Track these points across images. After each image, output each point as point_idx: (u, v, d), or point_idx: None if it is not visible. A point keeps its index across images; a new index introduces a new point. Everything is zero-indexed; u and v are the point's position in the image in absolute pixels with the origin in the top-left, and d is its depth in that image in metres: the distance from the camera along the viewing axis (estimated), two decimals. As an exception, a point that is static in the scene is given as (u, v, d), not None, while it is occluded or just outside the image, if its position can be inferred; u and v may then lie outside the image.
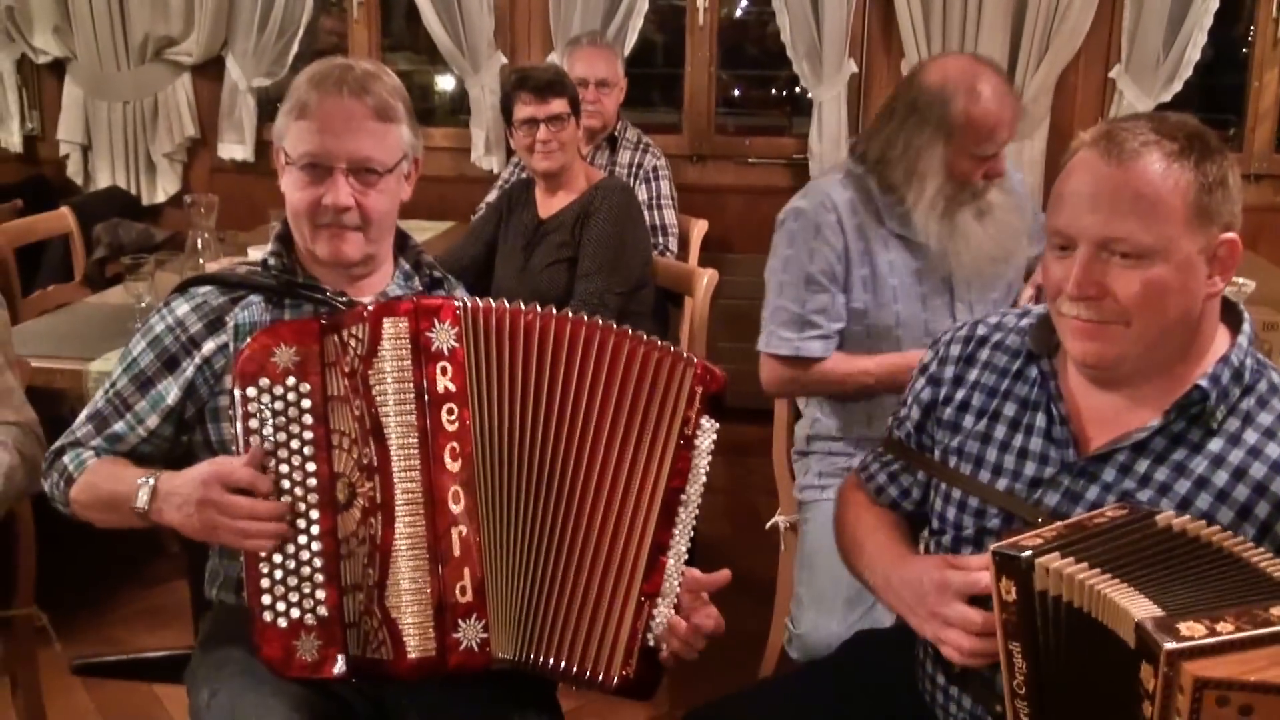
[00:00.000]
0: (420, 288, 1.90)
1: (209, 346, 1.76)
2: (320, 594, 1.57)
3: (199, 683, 1.74)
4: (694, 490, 1.65)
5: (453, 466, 1.57)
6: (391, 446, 1.56)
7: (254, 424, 1.56)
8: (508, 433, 1.61)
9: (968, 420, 1.65)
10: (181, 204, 4.88)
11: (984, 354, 1.68)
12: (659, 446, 1.64)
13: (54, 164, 5.10)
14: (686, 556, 1.66)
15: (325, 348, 1.58)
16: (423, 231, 4.21)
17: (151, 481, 1.64)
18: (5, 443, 2.00)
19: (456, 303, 1.62)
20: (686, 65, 4.71)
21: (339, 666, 1.57)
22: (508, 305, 1.63)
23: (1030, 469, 1.58)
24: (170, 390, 1.77)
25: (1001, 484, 1.60)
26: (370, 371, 1.56)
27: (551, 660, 1.63)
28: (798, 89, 4.73)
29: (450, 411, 1.58)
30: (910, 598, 1.55)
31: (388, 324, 1.57)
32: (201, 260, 2.91)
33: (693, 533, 1.67)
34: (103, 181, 4.97)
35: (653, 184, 3.82)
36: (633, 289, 3.03)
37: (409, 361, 1.57)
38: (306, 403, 1.57)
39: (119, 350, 2.65)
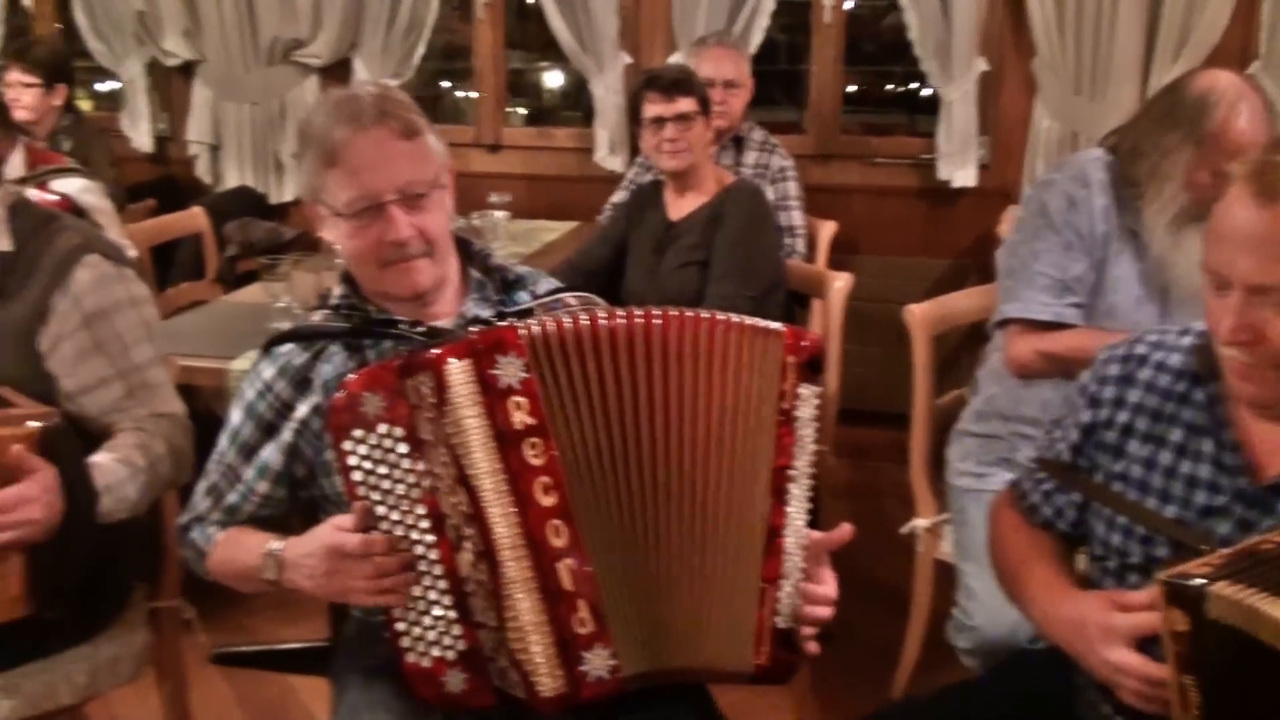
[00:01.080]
0: (495, 295, 1.85)
1: (303, 410, 1.76)
2: (456, 630, 1.56)
3: (344, 687, 1.76)
4: (803, 463, 1.61)
5: (546, 501, 1.52)
6: (482, 494, 1.52)
7: (357, 476, 1.55)
8: (596, 452, 1.56)
9: (1132, 445, 1.60)
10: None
11: (1144, 374, 1.62)
12: (756, 428, 1.59)
13: (183, 164, 5.22)
14: (807, 529, 1.62)
15: (406, 391, 1.54)
16: (547, 232, 4.23)
17: (277, 553, 1.66)
18: (155, 435, 2.03)
19: (520, 330, 1.55)
20: (812, 64, 4.66)
21: (489, 697, 1.57)
22: (572, 318, 1.57)
23: (1201, 497, 1.52)
24: (274, 456, 1.78)
25: (1169, 511, 1.54)
26: (446, 421, 1.52)
27: (683, 664, 1.60)
28: (912, 85, 4.65)
29: (534, 446, 1.52)
30: (1075, 639, 1.51)
31: (452, 370, 1.52)
32: (338, 260, 2.93)
33: (811, 503, 1.63)
34: (231, 181, 5.06)
35: (780, 185, 3.79)
36: (764, 292, 3.00)
37: (481, 404, 1.52)
38: (402, 447, 1.54)
39: (259, 349, 2.72)
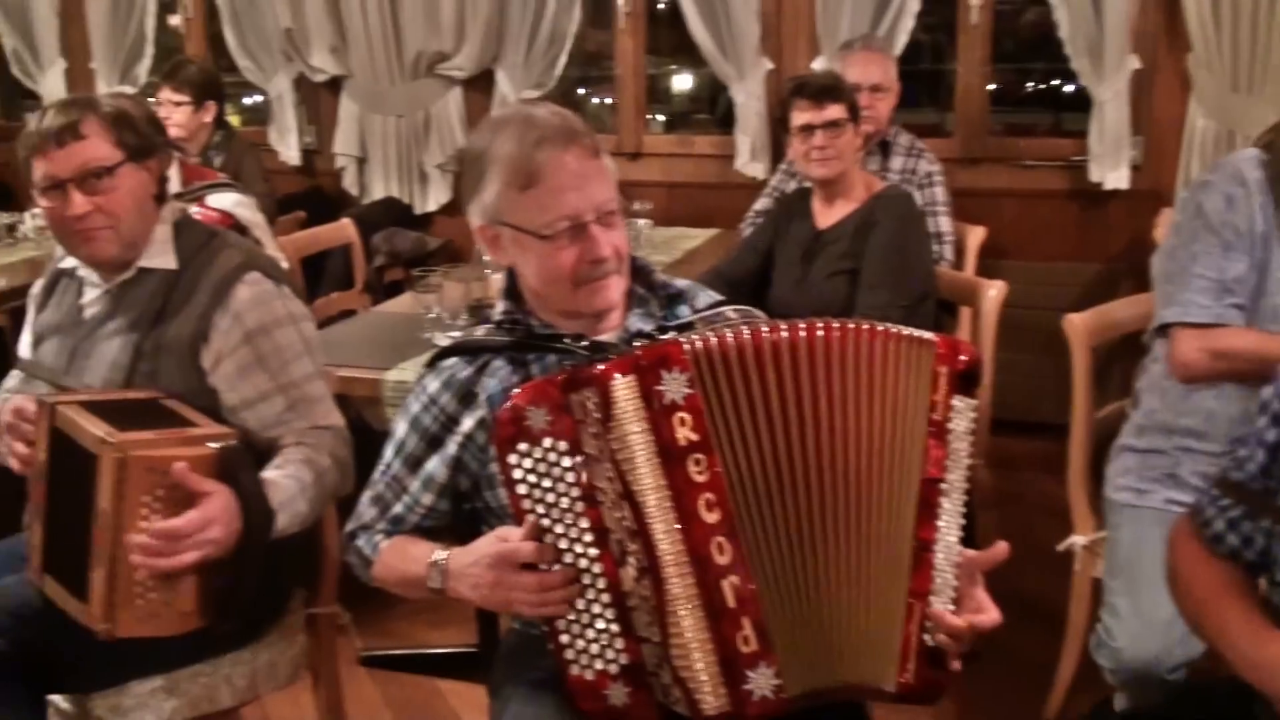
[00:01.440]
0: (658, 311, 1.84)
1: (468, 423, 1.77)
2: (619, 643, 1.56)
3: (505, 699, 1.77)
4: (956, 477, 1.58)
5: (710, 518, 1.51)
6: (646, 510, 1.51)
7: (522, 489, 1.55)
8: (759, 468, 1.54)
9: None
10: (454, 212, 5.08)
11: None
12: (909, 441, 1.57)
13: (330, 176, 5.34)
14: (960, 545, 1.58)
15: (571, 405, 1.54)
16: (688, 239, 4.22)
17: (442, 563, 1.68)
18: (319, 448, 2.08)
19: (684, 344, 1.54)
20: (959, 65, 4.57)
21: (652, 713, 1.56)
22: (734, 332, 1.55)
23: None
24: (439, 469, 1.80)
25: None
26: (611, 437, 1.52)
27: (840, 681, 1.58)
28: (1055, 82, 4.52)
29: (697, 462, 1.51)
30: None
31: (617, 385, 1.51)
32: (487, 271, 2.97)
33: (965, 519, 1.59)
34: (377, 193, 5.16)
35: (927, 190, 3.72)
36: (916, 301, 2.95)
37: (646, 420, 1.51)
38: (567, 461, 1.54)
39: (413, 360, 2.77)
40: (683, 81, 5.78)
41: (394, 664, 3.18)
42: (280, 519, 1.92)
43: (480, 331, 1.85)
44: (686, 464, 1.51)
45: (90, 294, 2.19)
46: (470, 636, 3.16)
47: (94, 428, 1.80)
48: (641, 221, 3.91)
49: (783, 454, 1.54)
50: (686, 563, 1.51)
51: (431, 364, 1.84)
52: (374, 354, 2.84)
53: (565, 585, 1.55)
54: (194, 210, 2.44)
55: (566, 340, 1.75)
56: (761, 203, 3.97)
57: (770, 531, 1.54)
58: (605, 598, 1.55)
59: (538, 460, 1.54)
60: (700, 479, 1.51)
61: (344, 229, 4.24)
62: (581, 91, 5.70)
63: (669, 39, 4.89)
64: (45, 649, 1.97)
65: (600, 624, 1.55)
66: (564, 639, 1.57)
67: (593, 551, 1.54)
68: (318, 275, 4.35)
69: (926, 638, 1.56)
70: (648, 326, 1.77)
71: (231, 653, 2.16)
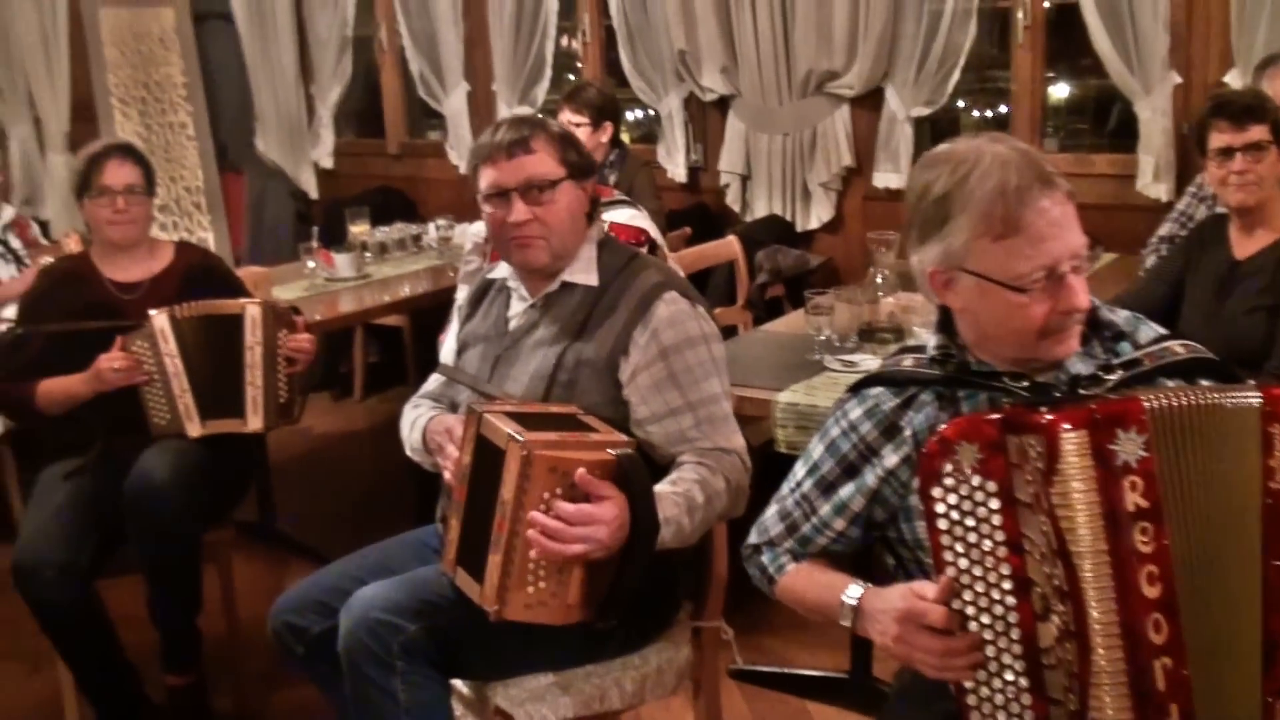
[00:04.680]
0: (1100, 353, 1.73)
1: (891, 460, 1.75)
2: (1026, 699, 1.50)
3: None
4: None
5: (1150, 592, 1.42)
6: (1081, 571, 1.43)
7: (942, 524, 1.51)
8: (1208, 547, 1.44)
9: None
10: (835, 230, 5.08)
11: None
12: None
13: (714, 193, 5.45)
14: None
15: (1007, 447, 1.48)
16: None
17: (855, 602, 1.67)
18: (716, 471, 2.13)
19: (1145, 403, 1.45)
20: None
21: None
22: (1195, 393, 1.45)
23: None
24: (854, 497, 1.79)
25: None
26: (1053, 489, 1.44)
27: None
28: None
29: (1144, 531, 1.42)
30: None
31: (1067, 438, 1.44)
32: (880, 294, 2.95)
33: None
34: (759, 210, 5.23)
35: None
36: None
37: (1094, 479, 1.43)
38: (994, 503, 1.48)
39: (804, 382, 2.79)
40: (1059, 90, 5.53)
41: (764, 680, 3.21)
42: (665, 532, 1.99)
43: (908, 362, 1.81)
44: (1133, 531, 1.43)
45: (516, 306, 2.34)
46: (843, 661, 3.15)
47: (508, 427, 1.93)
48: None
49: (1232, 533, 1.45)
50: (1117, 635, 1.43)
51: (854, 390, 1.82)
52: (763, 373, 2.87)
53: (970, 652, 1.51)
54: (606, 216, 2.56)
55: (1005, 380, 1.68)
56: (1166, 228, 3.74)
57: (1207, 616, 1.45)
58: (1017, 649, 1.50)
59: (963, 497, 1.50)
60: (1146, 549, 1.43)
61: (729, 246, 4.32)
62: (961, 105, 5.57)
63: (1052, 48, 4.70)
64: (452, 637, 2.11)
65: (1009, 675, 1.51)
66: (968, 684, 1.53)
67: (1010, 600, 1.50)
68: (700, 290, 4.43)
69: None
70: (1088, 368, 1.68)
71: (622, 657, 2.25)
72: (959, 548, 1.50)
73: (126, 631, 2.91)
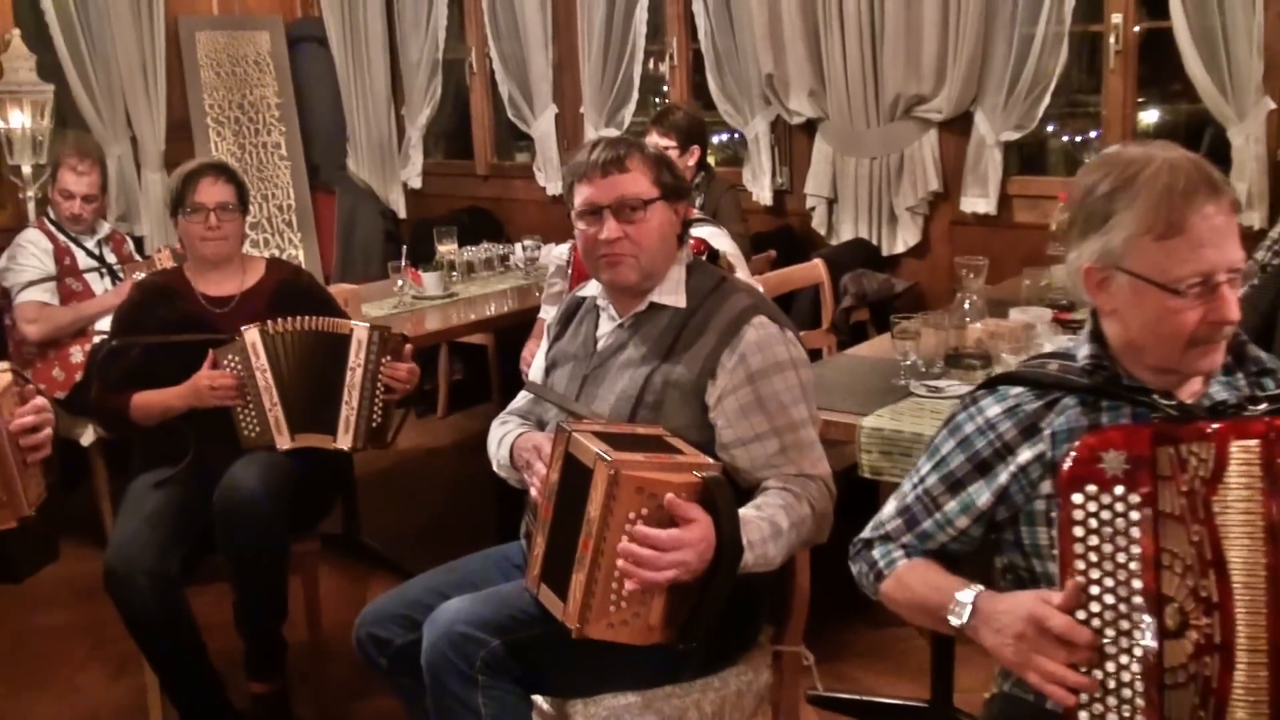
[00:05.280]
0: (1245, 387, 1.70)
1: (1025, 455, 1.71)
2: (1140, 719, 1.47)
3: None
4: None
5: None
6: (1235, 584, 1.41)
7: (1078, 531, 1.49)
8: None
9: None
10: (921, 255, 5.04)
11: None
12: None
13: (799, 216, 5.43)
14: None
15: (1158, 458, 1.46)
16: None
17: (971, 602, 1.64)
18: (802, 498, 2.12)
19: None
20: None
21: None
22: None
23: None
24: (982, 494, 1.75)
25: None
26: (1214, 498, 1.42)
27: None
28: None
29: None
30: None
31: (1236, 447, 1.42)
32: (967, 319, 2.92)
33: None
34: (845, 234, 5.20)
35: None
36: None
37: (1261, 491, 1.41)
38: (1135, 514, 1.46)
39: (889, 407, 2.76)
40: (1148, 116, 5.44)
41: (843, 707, 3.18)
42: (748, 557, 1.98)
43: (1054, 366, 1.77)
44: None
45: (605, 325, 2.35)
46: (923, 691, 3.11)
47: (596, 446, 1.94)
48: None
49: None
50: (1263, 653, 1.41)
51: (989, 386, 1.79)
52: (848, 398, 2.85)
53: (1089, 665, 1.48)
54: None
55: (1155, 396, 1.65)
56: (1261, 254, 3.65)
57: None
58: (1137, 667, 1.47)
59: (1103, 506, 1.48)
60: None
61: (815, 269, 4.31)
62: (1050, 129, 5.50)
63: (1143, 73, 4.63)
64: (535, 653, 2.12)
65: (1126, 693, 1.48)
66: (1083, 697, 1.50)
67: (1138, 616, 1.47)
68: (786, 313, 4.43)
69: None
70: (1232, 397, 1.66)
71: (703, 678, 2.24)
72: (1092, 557, 1.48)
73: (212, 638, 2.96)
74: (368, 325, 3.07)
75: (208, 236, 3.12)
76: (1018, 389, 1.74)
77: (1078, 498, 1.48)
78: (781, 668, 2.37)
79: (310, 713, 3.21)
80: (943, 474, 1.78)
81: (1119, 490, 1.46)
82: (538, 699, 2.23)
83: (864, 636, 3.57)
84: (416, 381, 3.14)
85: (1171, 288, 1.58)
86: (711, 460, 2.03)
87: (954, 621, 1.64)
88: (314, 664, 3.24)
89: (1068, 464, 1.49)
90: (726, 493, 1.95)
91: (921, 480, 1.81)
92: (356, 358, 3.01)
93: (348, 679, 3.32)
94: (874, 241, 5.11)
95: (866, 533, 1.88)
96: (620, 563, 1.88)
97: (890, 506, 1.86)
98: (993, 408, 1.75)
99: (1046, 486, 1.63)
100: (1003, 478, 1.72)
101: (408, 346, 3.14)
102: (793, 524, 2.07)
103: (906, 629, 3.58)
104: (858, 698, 3.20)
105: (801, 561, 2.29)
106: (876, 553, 1.84)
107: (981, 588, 1.65)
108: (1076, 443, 1.50)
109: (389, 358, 3.06)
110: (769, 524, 2.03)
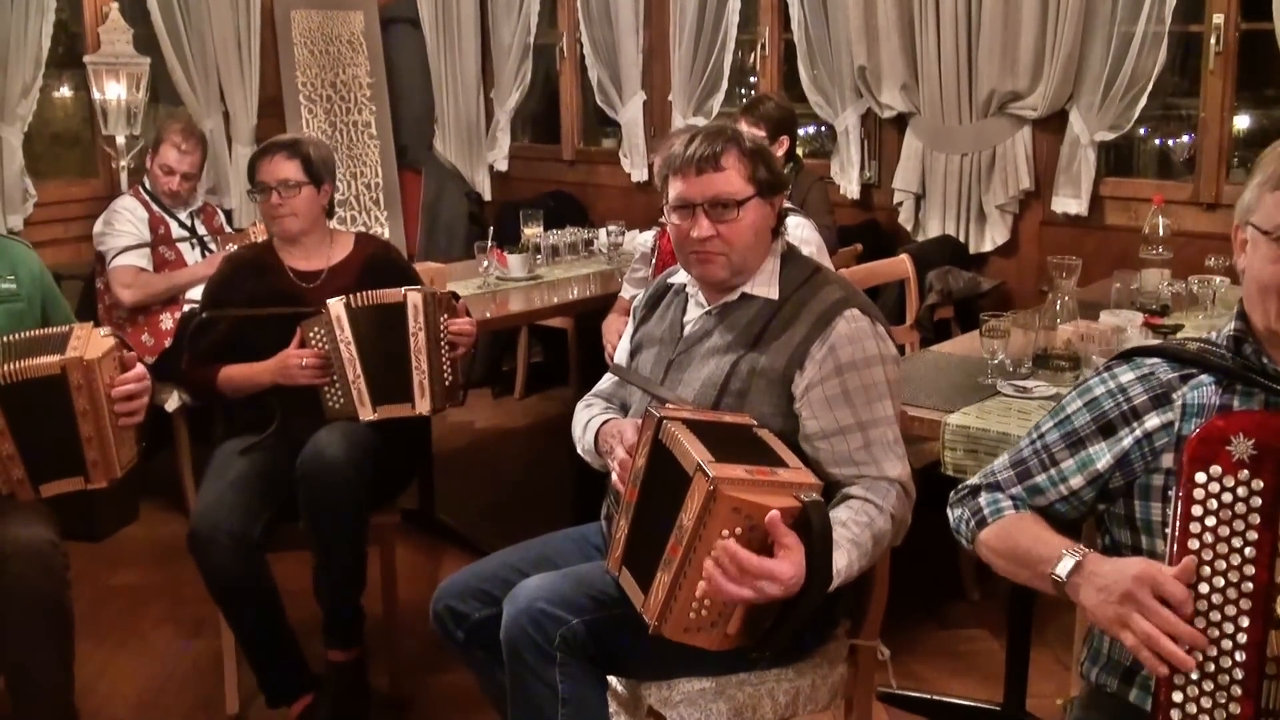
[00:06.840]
0: None
1: (1152, 422, 1.68)
2: (1236, 708, 1.44)
3: None
4: None
5: None
6: None
7: (1196, 510, 1.46)
8: None
9: None
10: (1009, 254, 4.97)
11: None
12: None
13: (886, 211, 5.38)
14: None
15: None
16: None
17: (1079, 556, 1.61)
18: (883, 508, 2.09)
19: None
20: None
21: None
22: None
23: None
24: (1102, 456, 1.72)
25: None
26: None
27: None
28: None
29: None
30: None
31: None
32: (1058, 320, 2.87)
33: None
34: (932, 230, 5.14)
35: None
36: None
37: None
38: (1256, 501, 1.44)
39: (975, 405, 2.72)
40: (1240, 122, 5.31)
41: (914, 706, 3.15)
42: (834, 581, 1.96)
43: (1194, 346, 1.74)
44: None
45: (693, 312, 2.34)
46: (991, 693, 3.08)
47: (695, 451, 1.90)
48: (1219, 279, 3.62)
49: None
50: None
51: (1125, 357, 1.77)
52: (934, 394, 2.82)
53: (1188, 644, 1.46)
54: None
55: None
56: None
57: None
58: (1239, 655, 1.45)
59: (1224, 489, 1.47)
60: None
61: (901, 264, 4.27)
62: (1143, 132, 5.39)
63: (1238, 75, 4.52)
64: (612, 635, 2.12)
65: (1224, 678, 1.46)
66: (1178, 678, 1.48)
67: (1245, 603, 1.45)
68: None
69: None
70: None
71: (778, 669, 2.23)
72: (1207, 538, 1.46)
73: (292, 605, 3.01)
74: (419, 289, 3.11)
75: (273, 214, 3.17)
76: (1154, 359, 1.72)
77: (1200, 476, 1.46)
78: (857, 662, 2.35)
79: (384, 683, 3.24)
80: (1065, 431, 1.76)
81: (1243, 475, 1.45)
82: (612, 679, 2.24)
83: (934, 636, 3.54)
84: (475, 331, 3.21)
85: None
86: (813, 478, 1.99)
87: (1059, 572, 1.61)
88: (388, 636, 3.28)
89: (1194, 441, 1.47)
90: (825, 520, 1.90)
91: (1041, 435, 1.79)
92: (416, 323, 3.06)
93: (421, 652, 3.36)
94: (961, 239, 5.04)
95: (973, 480, 1.86)
96: (707, 563, 1.85)
97: (1004, 458, 1.84)
98: (1127, 374, 1.73)
99: (1168, 460, 1.61)
100: (1126, 442, 1.70)
101: (460, 302, 3.21)
102: (876, 539, 2.06)
103: (979, 630, 3.55)
104: (930, 696, 3.17)
105: (881, 561, 2.27)
106: (984, 499, 1.82)
107: (1089, 550, 1.63)
108: (1205, 420, 1.48)
109: (446, 315, 3.12)
110: (856, 546, 2.01)
